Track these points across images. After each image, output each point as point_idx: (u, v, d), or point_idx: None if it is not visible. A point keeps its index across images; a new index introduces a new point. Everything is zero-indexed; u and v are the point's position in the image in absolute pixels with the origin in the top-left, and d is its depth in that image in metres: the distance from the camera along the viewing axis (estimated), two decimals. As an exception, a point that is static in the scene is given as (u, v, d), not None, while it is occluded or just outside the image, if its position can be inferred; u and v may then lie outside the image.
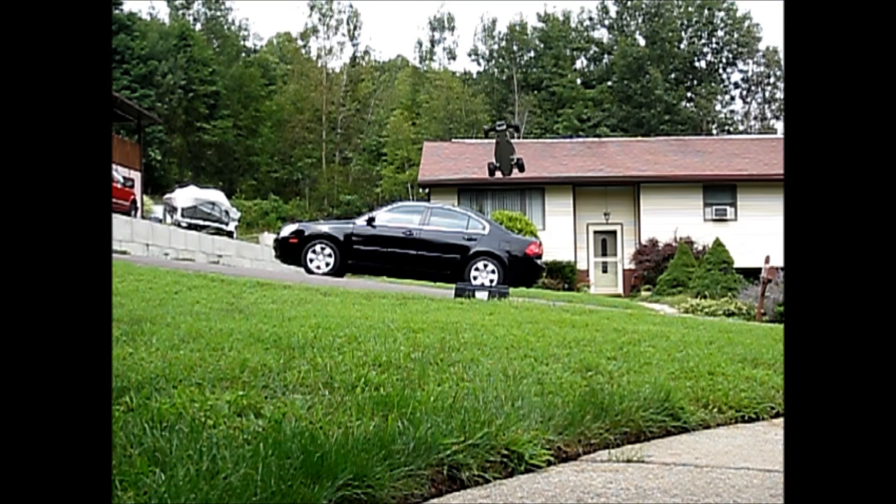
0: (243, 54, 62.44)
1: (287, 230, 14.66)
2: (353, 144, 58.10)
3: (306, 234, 14.27)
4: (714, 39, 59.25)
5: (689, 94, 58.70)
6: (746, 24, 58.87)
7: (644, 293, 23.52)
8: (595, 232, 27.27)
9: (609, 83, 58.17)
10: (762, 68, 60.32)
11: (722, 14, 58.73)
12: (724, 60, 59.94)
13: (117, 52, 47.18)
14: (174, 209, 28.18)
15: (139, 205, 26.47)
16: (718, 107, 60.32)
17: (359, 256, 14.05)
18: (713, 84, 58.85)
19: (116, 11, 48.58)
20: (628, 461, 2.80)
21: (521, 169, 18.88)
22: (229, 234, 29.58)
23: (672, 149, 29.56)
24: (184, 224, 27.10)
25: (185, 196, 28.97)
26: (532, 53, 61.02)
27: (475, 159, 28.36)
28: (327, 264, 13.87)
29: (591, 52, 62.15)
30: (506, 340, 5.03)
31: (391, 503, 2.20)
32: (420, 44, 66.42)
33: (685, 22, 58.59)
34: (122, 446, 2.16)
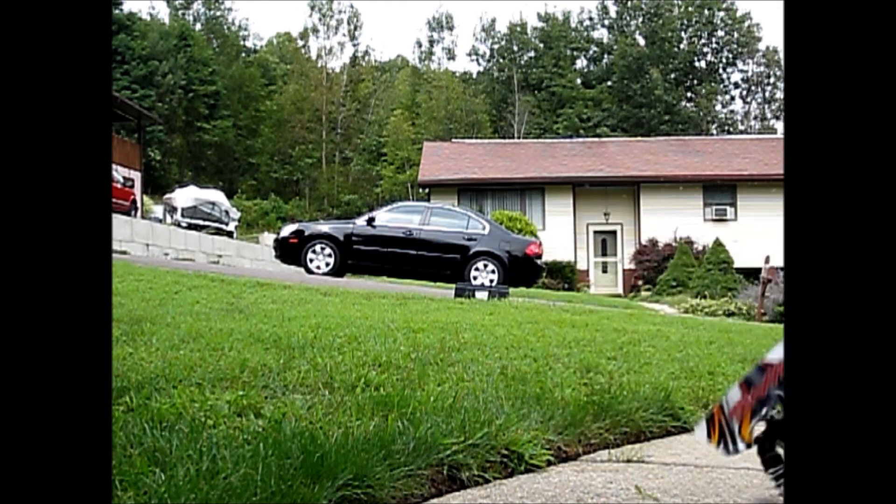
0: (243, 54, 62.44)
1: (287, 230, 14.66)
2: (353, 144, 58.09)
3: (306, 234, 14.26)
4: (714, 39, 59.26)
5: (689, 94, 58.71)
6: (746, 24, 58.90)
7: (644, 293, 23.52)
8: (595, 232, 27.27)
9: (609, 83, 58.18)
10: (762, 68, 60.33)
11: (722, 14, 58.74)
12: (724, 60, 59.95)
13: (117, 52, 47.17)
14: (174, 209, 28.20)
15: (139, 205, 26.48)
16: (718, 107, 60.34)
17: (359, 256, 14.05)
18: (713, 84, 58.87)
19: (116, 11, 48.58)
20: (628, 461, 2.80)
21: None
22: (229, 234, 29.58)
23: (672, 149, 29.56)
24: (184, 224, 27.10)
25: (185, 196, 28.98)
26: (532, 53, 61.01)
27: (475, 159, 28.37)
28: (327, 264, 13.87)
29: (591, 52, 62.17)
30: (506, 340, 5.03)
31: (391, 503, 2.20)
32: (419, 44, 66.45)
33: (685, 22, 58.59)
34: (122, 446, 2.16)
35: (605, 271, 27.31)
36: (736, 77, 61.13)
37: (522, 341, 5.07)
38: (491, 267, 13.74)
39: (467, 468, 2.45)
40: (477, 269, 13.76)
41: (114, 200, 21.58)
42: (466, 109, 54.66)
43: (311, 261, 13.94)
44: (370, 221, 14.22)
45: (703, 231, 25.16)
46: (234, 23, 63.92)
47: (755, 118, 61.47)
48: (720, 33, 59.10)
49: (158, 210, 30.79)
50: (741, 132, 56.11)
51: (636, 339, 5.73)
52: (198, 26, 60.13)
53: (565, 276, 23.64)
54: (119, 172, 25.10)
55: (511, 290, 10.82)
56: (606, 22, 61.84)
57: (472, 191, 26.52)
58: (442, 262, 13.93)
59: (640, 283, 25.29)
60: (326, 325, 5.11)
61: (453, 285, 10.80)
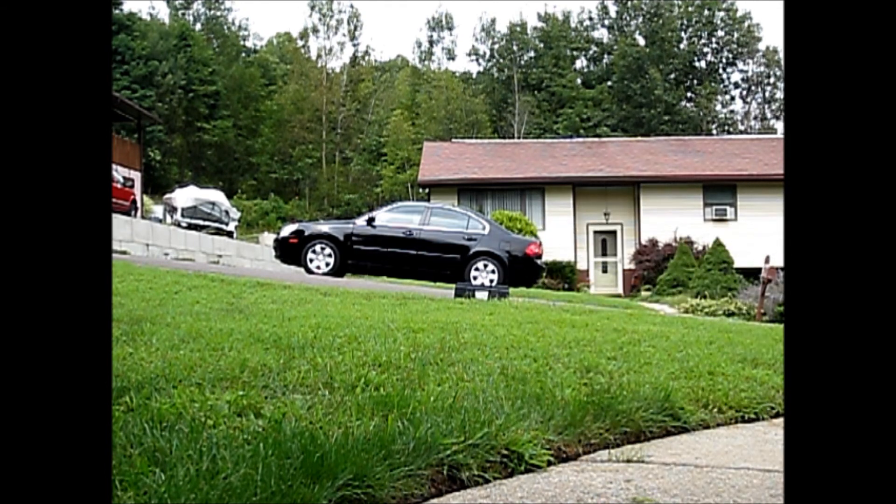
0: (243, 54, 62.44)
1: (287, 230, 14.66)
2: (353, 144, 58.09)
3: (306, 234, 14.26)
4: (714, 39, 59.25)
5: (689, 94, 58.69)
6: (746, 24, 58.88)
7: (644, 293, 23.51)
8: (595, 232, 27.27)
9: (609, 83, 58.17)
10: (762, 68, 60.32)
11: (722, 14, 58.73)
12: (724, 60, 59.94)
13: (117, 52, 47.18)
14: (174, 209, 28.20)
15: (139, 205, 26.48)
16: (718, 107, 60.32)
17: (359, 256, 14.04)
18: (713, 84, 58.85)
19: (116, 11, 48.58)
20: (628, 461, 2.80)
21: None
22: (229, 234, 29.58)
23: (672, 149, 29.56)
24: (184, 224, 27.10)
25: (185, 196, 28.98)
26: (532, 53, 61.00)
27: (475, 159, 28.36)
28: (327, 264, 13.87)
29: (591, 52, 62.16)
30: (506, 340, 5.02)
31: (391, 503, 2.20)
32: (419, 44, 66.46)
33: (685, 22, 58.58)
34: (122, 446, 2.16)
35: (605, 271, 27.31)
36: (736, 77, 61.19)
37: (522, 341, 5.06)
38: (491, 267, 13.74)
39: (467, 468, 2.45)
40: (477, 269, 13.76)
41: (114, 200, 21.59)
42: (466, 109, 54.65)
43: (311, 261, 13.93)
44: (370, 221, 14.22)
45: (703, 231, 25.15)
46: (234, 23, 63.99)
47: (755, 118, 61.46)
48: (720, 33, 59.08)
49: (158, 210, 30.80)
50: (741, 132, 56.10)
51: (636, 339, 5.73)
52: (198, 26, 60.13)
53: (565, 276, 23.64)
54: (119, 172, 25.09)
55: (511, 290, 10.82)
56: (606, 22, 61.84)
57: (472, 191, 26.52)
58: (442, 262, 13.93)
59: (640, 283, 25.29)
60: (326, 325, 5.11)
61: (453, 285, 10.80)
